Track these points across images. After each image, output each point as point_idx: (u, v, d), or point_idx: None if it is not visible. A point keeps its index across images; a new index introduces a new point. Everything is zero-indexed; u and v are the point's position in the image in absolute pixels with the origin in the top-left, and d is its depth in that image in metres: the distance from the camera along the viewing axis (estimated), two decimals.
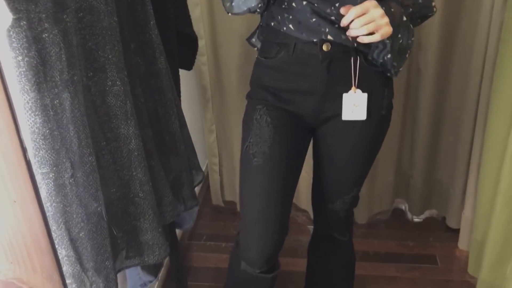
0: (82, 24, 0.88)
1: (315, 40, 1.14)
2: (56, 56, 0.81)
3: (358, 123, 1.21)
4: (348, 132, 1.24)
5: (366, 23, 1.02)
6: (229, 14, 1.18)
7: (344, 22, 1.05)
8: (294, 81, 1.19)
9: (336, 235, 1.45)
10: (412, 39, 1.17)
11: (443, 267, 1.88)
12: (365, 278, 1.82)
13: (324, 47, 1.14)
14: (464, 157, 1.88)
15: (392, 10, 1.07)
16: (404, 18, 1.10)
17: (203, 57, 1.86)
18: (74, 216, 0.90)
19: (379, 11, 1.03)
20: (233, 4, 1.13)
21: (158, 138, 1.18)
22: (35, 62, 0.78)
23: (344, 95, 1.17)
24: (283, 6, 1.15)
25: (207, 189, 2.26)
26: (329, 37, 1.13)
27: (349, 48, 1.14)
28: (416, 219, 2.14)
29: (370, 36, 1.04)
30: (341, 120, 1.20)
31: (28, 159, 0.60)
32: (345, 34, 1.10)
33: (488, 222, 1.54)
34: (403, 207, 2.19)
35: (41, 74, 0.79)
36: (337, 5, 1.10)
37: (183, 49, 1.35)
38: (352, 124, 1.21)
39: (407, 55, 1.18)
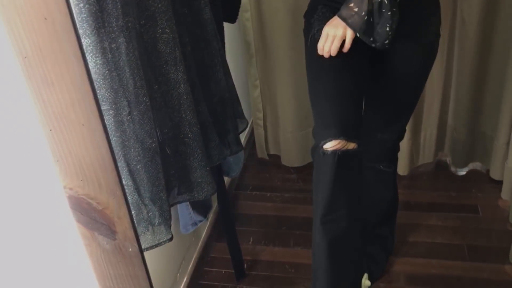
0: None
1: None
2: (112, 4, 0.91)
3: (408, 47, 1.29)
4: (399, 56, 1.32)
5: (327, 45, 1.21)
6: None
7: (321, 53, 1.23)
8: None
9: (382, 167, 1.55)
10: (394, 9, 1.16)
11: (484, 216, 1.91)
12: (406, 226, 1.87)
13: None
14: (508, 108, 1.87)
15: (351, 5, 1.17)
16: None
17: (246, 13, 1.92)
18: (132, 150, 1.01)
19: (325, 31, 1.21)
20: None
21: (205, 85, 1.27)
22: (94, 8, 0.88)
23: None
24: None
25: (252, 143, 2.36)
26: None
27: None
28: (459, 172, 2.15)
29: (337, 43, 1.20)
30: (397, 49, 1.27)
31: (94, 87, 0.69)
32: None
33: None
34: (447, 160, 2.20)
35: (99, 20, 0.89)
36: None
37: (227, 2, 1.42)
38: (402, 48, 1.29)
39: (387, 29, 1.18)
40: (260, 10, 1.93)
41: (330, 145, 1.20)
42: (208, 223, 1.91)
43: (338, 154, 1.20)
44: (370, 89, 1.44)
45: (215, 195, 1.47)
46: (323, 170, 1.23)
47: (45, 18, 0.64)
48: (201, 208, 1.57)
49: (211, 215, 1.90)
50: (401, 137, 1.53)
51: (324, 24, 1.26)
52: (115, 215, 0.81)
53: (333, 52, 1.22)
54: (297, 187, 2.16)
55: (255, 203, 2.10)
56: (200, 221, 1.57)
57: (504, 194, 1.95)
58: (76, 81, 0.68)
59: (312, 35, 1.30)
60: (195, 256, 1.78)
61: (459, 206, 1.97)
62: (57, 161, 0.76)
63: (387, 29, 1.18)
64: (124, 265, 0.87)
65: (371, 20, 1.18)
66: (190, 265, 1.75)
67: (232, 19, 1.49)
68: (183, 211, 1.51)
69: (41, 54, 0.67)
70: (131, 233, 0.83)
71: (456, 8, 1.84)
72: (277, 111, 2.15)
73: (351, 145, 1.22)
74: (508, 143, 1.92)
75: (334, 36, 1.21)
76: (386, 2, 1.14)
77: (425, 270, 1.71)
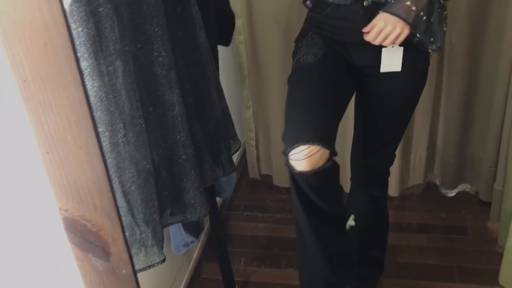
0: (131, 0, 0.99)
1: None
2: (110, 28, 0.92)
3: (396, 75, 1.30)
4: (387, 84, 1.34)
5: (377, 38, 1.17)
6: None
7: (367, 39, 1.20)
8: (339, 34, 1.31)
9: (372, 192, 1.55)
10: (445, 12, 1.26)
11: (473, 238, 1.92)
12: (396, 248, 1.89)
13: (365, 3, 1.24)
14: (496, 131, 1.91)
15: (407, 3, 1.16)
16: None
17: (240, 36, 1.95)
18: (127, 171, 1.02)
19: (380, 23, 1.17)
20: None
21: (199, 107, 1.28)
22: (92, 33, 0.89)
23: (383, 49, 1.27)
24: None
25: (244, 163, 2.37)
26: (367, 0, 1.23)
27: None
28: (449, 194, 2.18)
29: (397, 40, 1.17)
30: (380, 72, 1.29)
31: (91, 111, 0.71)
32: None
33: None
34: (436, 181, 2.23)
35: (97, 43, 0.91)
36: None
37: (221, 26, 1.44)
38: (390, 76, 1.30)
39: (444, 29, 1.26)
40: (253, 33, 1.96)
41: (298, 152, 1.17)
42: (200, 244, 1.90)
43: (307, 175, 1.16)
44: (357, 116, 1.47)
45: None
46: (296, 183, 1.21)
47: (46, 43, 0.66)
48: (193, 229, 1.57)
49: (202, 236, 1.90)
50: (390, 163, 1.55)
51: (312, 48, 1.28)
52: (110, 236, 0.81)
53: (388, 43, 1.17)
54: (289, 208, 2.16)
55: (246, 224, 2.10)
56: (192, 242, 1.56)
57: (493, 216, 1.97)
58: (74, 104, 0.70)
59: (298, 58, 1.32)
60: (186, 276, 1.78)
61: (449, 227, 1.99)
62: (53, 182, 0.77)
63: (444, 29, 1.21)
64: (117, 287, 0.87)
65: (431, 20, 1.20)
66: (182, 286, 1.74)
67: (226, 42, 1.52)
68: (175, 232, 1.51)
69: (41, 78, 0.68)
70: (125, 255, 0.84)
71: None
72: (269, 131, 2.17)
73: (322, 154, 1.16)
74: (496, 165, 1.95)
75: (389, 32, 1.16)
76: (442, 1, 1.17)
77: None
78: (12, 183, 0.81)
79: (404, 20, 1.16)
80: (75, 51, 0.66)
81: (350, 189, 1.65)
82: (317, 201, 1.22)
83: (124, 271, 0.85)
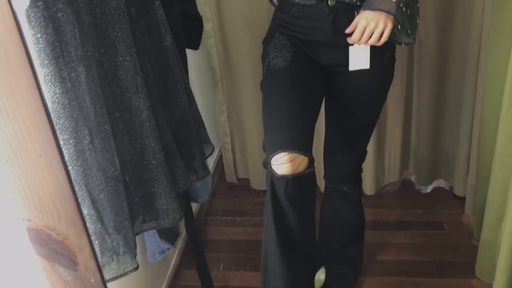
0: (92, 4, 0.98)
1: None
2: (71, 33, 0.91)
3: (363, 73, 1.30)
4: (354, 82, 1.35)
5: (361, 37, 1.16)
6: None
7: (351, 41, 1.20)
8: (305, 34, 1.31)
9: (346, 189, 1.56)
10: (417, 5, 1.28)
11: (450, 233, 1.95)
12: (374, 245, 1.90)
13: (330, 2, 1.25)
14: (467, 126, 1.94)
15: None
16: None
17: (211, 40, 1.94)
18: (94, 179, 1.00)
19: (363, 22, 1.16)
20: None
21: (168, 112, 1.27)
22: (52, 38, 0.88)
23: (350, 47, 1.27)
24: None
25: (221, 168, 2.36)
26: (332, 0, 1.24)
27: (353, 4, 1.24)
28: (424, 190, 2.20)
29: (381, 39, 1.16)
30: (348, 70, 1.30)
31: (50, 117, 0.69)
32: None
33: (487, 185, 1.60)
34: (412, 179, 2.25)
35: (58, 49, 0.89)
36: None
37: (189, 29, 1.43)
38: (358, 74, 1.31)
39: (417, 21, 1.29)
40: (224, 36, 1.95)
41: (280, 161, 1.18)
42: (177, 251, 1.88)
43: (288, 179, 1.17)
44: (327, 113, 1.48)
45: (183, 222, 1.47)
46: (274, 193, 1.21)
47: None
48: (168, 235, 1.55)
49: (179, 243, 1.88)
50: (362, 159, 1.56)
51: (280, 50, 1.28)
52: (76, 245, 0.80)
53: (373, 42, 1.17)
54: None
55: (225, 229, 2.09)
56: (168, 249, 1.54)
57: (467, 210, 2.00)
58: (32, 112, 0.68)
59: (268, 62, 1.33)
60: (164, 285, 1.75)
61: (426, 223, 2.01)
62: (15, 192, 0.75)
63: (418, 21, 1.24)
64: None
65: (408, 12, 1.21)
66: None
67: (195, 46, 1.51)
68: (150, 239, 1.49)
69: None
70: (92, 263, 0.82)
71: None
72: (244, 135, 2.16)
73: (301, 160, 1.19)
74: (468, 160, 1.98)
75: (373, 29, 1.15)
76: None
77: None
78: None
79: (387, 12, 1.15)
80: (29, 58, 0.64)
81: (325, 188, 1.66)
82: (291, 219, 1.22)
83: (92, 280, 0.83)
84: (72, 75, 0.92)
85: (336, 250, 1.69)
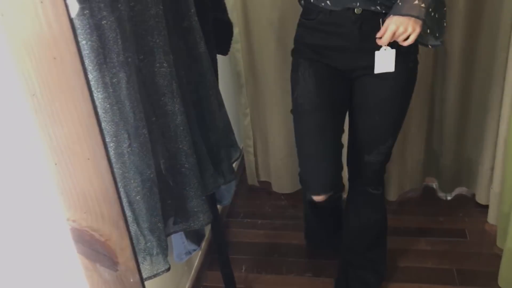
0: (133, 12, 1.01)
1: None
2: (113, 40, 0.94)
3: (389, 75, 1.36)
4: (380, 83, 1.40)
5: (389, 40, 1.24)
6: None
7: (380, 43, 1.28)
8: (331, 39, 1.37)
9: (370, 190, 1.59)
10: (445, 9, 1.33)
11: (472, 241, 1.94)
12: (396, 252, 1.90)
13: (356, 11, 1.31)
14: (492, 134, 1.94)
15: (416, 3, 1.21)
16: None
17: (237, 45, 1.97)
18: (132, 181, 1.03)
19: (392, 26, 1.22)
20: None
21: (200, 117, 1.30)
22: (96, 45, 0.91)
23: (376, 52, 1.32)
24: None
25: (243, 171, 2.38)
26: (359, 7, 1.30)
27: (378, 12, 1.30)
28: (446, 197, 2.20)
29: (408, 40, 1.23)
30: (373, 73, 1.35)
31: (99, 122, 0.72)
32: (374, 5, 1.29)
33: None
34: (434, 186, 2.25)
35: (101, 56, 0.92)
36: None
37: (219, 35, 1.46)
38: (383, 75, 1.36)
39: (445, 24, 1.34)
40: (250, 41, 1.98)
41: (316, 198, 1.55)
42: (200, 252, 1.91)
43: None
44: (352, 116, 1.51)
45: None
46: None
47: (54, 58, 0.67)
48: (194, 237, 1.58)
49: (203, 244, 1.91)
50: (387, 159, 1.58)
51: (307, 85, 1.42)
52: (118, 246, 0.82)
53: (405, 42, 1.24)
54: (288, 214, 2.18)
55: (246, 231, 2.11)
56: (194, 250, 1.57)
57: (491, 219, 2.00)
58: (82, 117, 0.71)
59: (295, 98, 1.46)
60: (188, 285, 1.78)
61: (447, 230, 2.01)
62: (61, 193, 0.78)
63: (445, 24, 1.30)
64: None
65: (436, 16, 1.27)
66: None
67: (225, 52, 1.54)
68: (177, 240, 1.52)
69: (50, 92, 0.69)
70: (132, 264, 0.85)
71: None
72: (267, 138, 2.18)
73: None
74: (492, 168, 1.98)
75: (402, 33, 1.22)
76: None
77: None
78: (21, 195, 0.82)
79: (416, 17, 1.21)
80: (83, 65, 0.67)
81: (349, 190, 1.67)
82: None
83: (131, 280, 0.86)
84: (114, 80, 0.95)
85: (360, 253, 1.70)
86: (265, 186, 2.32)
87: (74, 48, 0.66)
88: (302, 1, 1.43)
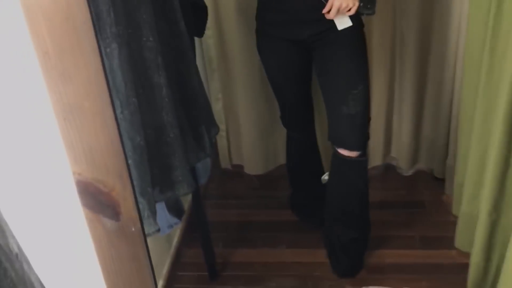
0: None
1: None
2: (107, 13, 1.02)
3: (336, 37, 1.61)
4: (334, 41, 1.63)
5: (336, 13, 1.51)
6: None
7: (329, 17, 1.53)
8: (283, 14, 1.64)
9: (354, 157, 1.70)
10: None
11: (431, 211, 2.11)
12: None
13: None
14: (446, 112, 2.11)
15: None
16: None
17: (208, 31, 2.05)
18: (125, 146, 1.11)
19: (337, 3, 1.48)
20: None
21: (181, 91, 1.38)
22: (91, 16, 0.98)
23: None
24: None
25: (216, 155, 2.47)
26: None
27: None
28: (406, 173, 2.36)
29: (350, 11, 1.51)
30: (325, 36, 1.62)
31: (108, 79, 0.80)
32: None
33: (465, 163, 1.76)
34: (394, 163, 2.40)
35: (96, 26, 1.00)
36: None
37: (196, 18, 1.55)
38: (332, 37, 1.61)
39: None
40: (220, 27, 2.07)
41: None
42: (178, 230, 1.99)
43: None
44: (320, 75, 1.71)
45: (187, 201, 1.57)
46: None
47: (67, 18, 0.75)
48: (175, 211, 1.66)
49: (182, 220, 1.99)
50: (366, 113, 1.70)
51: (272, 58, 1.76)
52: (121, 196, 0.90)
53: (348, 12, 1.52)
54: (260, 194, 2.29)
55: (220, 211, 2.21)
56: (176, 223, 1.65)
57: (447, 190, 2.17)
58: (92, 73, 0.79)
59: (266, 69, 1.83)
60: (168, 261, 1.86)
61: (408, 202, 2.17)
62: (69, 148, 0.85)
63: None
64: (125, 245, 0.96)
65: None
66: (164, 270, 1.82)
67: (200, 33, 1.63)
68: (159, 214, 1.59)
69: (61, 50, 0.77)
70: (134, 214, 0.93)
71: (396, 26, 2.07)
72: (239, 122, 2.28)
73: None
74: (447, 144, 2.15)
75: (346, 7, 1.49)
76: None
77: (382, 260, 1.88)
78: (28, 151, 0.89)
79: None
80: (94, 25, 0.75)
81: (332, 157, 1.78)
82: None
83: (133, 229, 0.94)
84: (107, 50, 1.03)
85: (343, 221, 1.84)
86: (238, 169, 2.42)
87: (86, 9, 0.74)
88: None
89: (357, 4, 1.51)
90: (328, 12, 1.52)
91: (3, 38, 0.78)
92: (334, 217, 1.85)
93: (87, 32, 0.76)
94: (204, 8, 1.61)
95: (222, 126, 2.30)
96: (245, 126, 2.26)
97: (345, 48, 1.64)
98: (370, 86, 1.75)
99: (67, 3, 0.74)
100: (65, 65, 0.78)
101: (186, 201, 2.03)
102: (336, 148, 1.72)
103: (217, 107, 2.25)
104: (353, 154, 1.70)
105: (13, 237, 0.76)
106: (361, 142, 1.71)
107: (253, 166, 2.34)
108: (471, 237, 1.72)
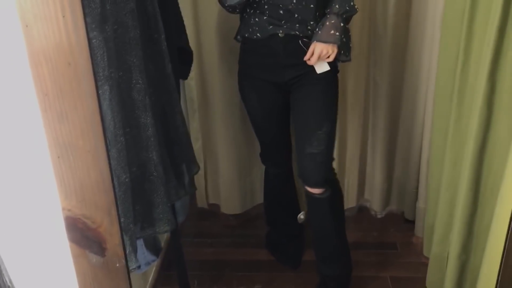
0: (116, 34, 1.15)
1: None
2: (101, 57, 1.07)
3: (312, 80, 1.71)
4: (309, 83, 1.73)
5: (316, 60, 1.63)
6: (226, 5, 1.66)
7: (310, 63, 1.65)
8: (264, 58, 1.74)
9: (317, 194, 1.77)
10: (349, 34, 1.71)
11: (402, 252, 2.17)
12: None
13: (280, 35, 1.67)
14: (416, 156, 2.20)
15: (332, 32, 1.60)
16: (342, 25, 1.63)
17: (191, 73, 2.12)
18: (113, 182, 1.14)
19: (318, 49, 1.61)
20: None
21: (165, 131, 1.43)
22: None
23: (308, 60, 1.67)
24: (251, 21, 1.69)
25: (192, 194, 2.49)
26: (283, 32, 1.67)
27: (297, 35, 1.66)
28: (378, 215, 2.43)
29: (329, 59, 1.64)
30: (301, 80, 1.72)
31: (103, 118, 0.84)
32: (293, 30, 1.66)
33: (435, 206, 1.84)
34: (367, 205, 2.48)
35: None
36: (281, 12, 1.64)
37: (181, 61, 1.62)
38: (308, 79, 1.71)
39: (350, 45, 1.74)
40: (202, 70, 2.15)
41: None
42: (154, 268, 1.99)
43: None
44: (293, 115, 1.81)
45: (165, 239, 1.59)
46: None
47: (69, 63, 0.80)
48: (153, 248, 1.67)
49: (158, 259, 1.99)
50: (329, 152, 1.77)
51: (252, 99, 1.84)
52: (108, 233, 0.93)
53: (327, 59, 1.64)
54: (237, 233, 2.31)
55: (197, 250, 2.22)
56: (153, 261, 1.66)
57: (417, 232, 2.24)
58: (88, 114, 0.84)
59: (245, 106, 1.92)
60: None
61: (380, 243, 2.23)
62: (60, 184, 0.89)
63: (350, 45, 1.72)
64: (110, 280, 0.98)
65: (344, 40, 1.65)
66: None
67: (185, 76, 1.70)
68: (138, 250, 1.61)
69: (61, 92, 0.82)
70: (120, 250, 0.96)
71: (369, 72, 2.18)
72: (217, 162, 2.33)
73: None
74: (417, 187, 2.24)
75: (326, 54, 1.61)
76: (347, 27, 1.68)
77: None
78: (20, 186, 0.92)
79: (334, 43, 1.61)
80: (94, 70, 0.81)
81: (305, 197, 1.84)
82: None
83: (117, 265, 0.96)
84: (99, 92, 1.08)
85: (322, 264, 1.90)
86: (214, 209, 2.45)
87: (88, 55, 0.80)
88: (239, 37, 1.79)
89: (336, 51, 1.62)
90: (309, 58, 1.63)
91: (6, 78, 0.83)
92: (315, 253, 1.92)
93: (87, 77, 0.81)
94: (190, 53, 1.68)
95: (200, 165, 2.33)
96: (223, 166, 2.30)
97: (317, 91, 1.73)
98: (336, 127, 1.82)
99: (70, 49, 0.79)
100: (63, 106, 0.83)
101: (163, 238, 2.04)
102: (303, 185, 1.81)
103: (196, 147, 2.29)
104: (315, 190, 1.78)
105: (6, 270, 0.78)
106: (323, 179, 1.78)
107: (230, 205, 2.37)
108: (442, 277, 1.79)
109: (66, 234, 0.93)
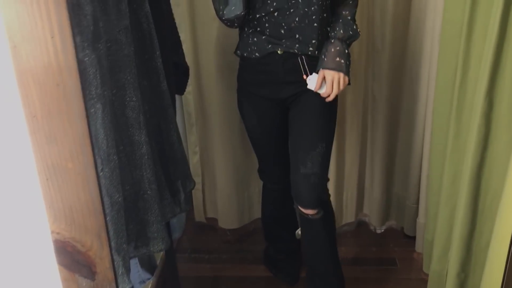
0: (110, 51, 1.13)
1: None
2: (93, 75, 1.05)
3: (310, 98, 1.68)
4: (306, 101, 1.71)
5: (337, 91, 1.63)
6: (223, 18, 1.61)
7: (324, 95, 1.64)
8: (262, 75, 1.72)
9: (310, 215, 1.74)
10: (350, 58, 1.69)
11: (401, 268, 2.14)
12: None
13: (279, 52, 1.66)
14: (416, 171, 2.18)
15: (337, 59, 1.60)
16: (347, 51, 1.63)
17: (188, 87, 2.11)
18: (103, 203, 1.12)
19: (329, 76, 1.61)
20: (224, 12, 1.58)
21: (160, 148, 1.41)
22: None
23: (308, 78, 1.65)
24: (250, 41, 1.67)
25: (190, 208, 2.47)
26: (281, 50, 1.65)
27: (296, 53, 1.65)
28: (378, 230, 2.40)
29: (340, 87, 1.63)
30: (299, 97, 1.71)
31: (92, 142, 0.83)
32: (292, 48, 1.64)
33: (435, 222, 1.81)
34: (366, 220, 2.45)
35: (83, 89, 1.03)
36: (282, 32, 1.62)
37: (177, 77, 1.60)
38: (306, 97, 1.69)
39: (350, 68, 1.70)
40: (200, 84, 2.14)
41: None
42: (150, 285, 1.96)
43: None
44: (289, 134, 1.78)
45: (160, 256, 1.57)
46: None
47: (58, 85, 0.78)
48: (148, 266, 1.65)
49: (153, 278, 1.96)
50: (323, 174, 1.75)
51: (251, 118, 1.82)
52: (98, 256, 0.91)
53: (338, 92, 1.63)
54: (234, 248, 2.28)
55: (194, 265, 2.19)
56: (148, 279, 1.64)
57: (417, 247, 2.21)
58: (78, 136, 0.82)
59: (244, 123, 1.89)
60: None
61: (380, 260, 2.20)
62: (49, 207, 0.87)
63: (350, 68, 1.69)
64: None
65: (347, 63, 1.65)
66: None
67: (181, 91, 1.68)
68: (132, 269, 1.59)
69: (49, 114, 0.80)
70: (110, 274, 0.93)
71: (368, 87, 2.17)
72: (215, 176, 2.31)
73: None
74: (417, 202, 2.21)
75: (338, 82, 1.61)
76: (349, 54, 1.66)
77: None
78: (9, 209, 0.90)
79: (340, 71, 1.61)
80: (85, 89, 0.79)
81: (298, 217, 1.83)
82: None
83: None
84: (92, 110, 1.06)
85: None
86: (212, 223, 2.43)
87: (77, 76, 0.78)
88: (238, 52, 1.76)
89: (343, 78, 1.61)
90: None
91: None
92: (307, 271, 1.90)
93: (76, 98, 0.80)
94: (186, 69, 1.67)
95: (198, 179, 2.32)
96: (221, 180, 2.28)
97: (314, 109, 1.71)
98: (332, 147, 1.79)
99: (59, 70, 0.78)
100: (52, 128, 0.81)
101: (159, 256, 2.01)
102: (297, 205, 1.79)
103: (194, 160, 2.28)
104: (309, 211, 1.76)
105: None
106: (316, 201, 1.75)
107: (227, 220, 2.35)
108: None
109: (55, 257, 0.91)
